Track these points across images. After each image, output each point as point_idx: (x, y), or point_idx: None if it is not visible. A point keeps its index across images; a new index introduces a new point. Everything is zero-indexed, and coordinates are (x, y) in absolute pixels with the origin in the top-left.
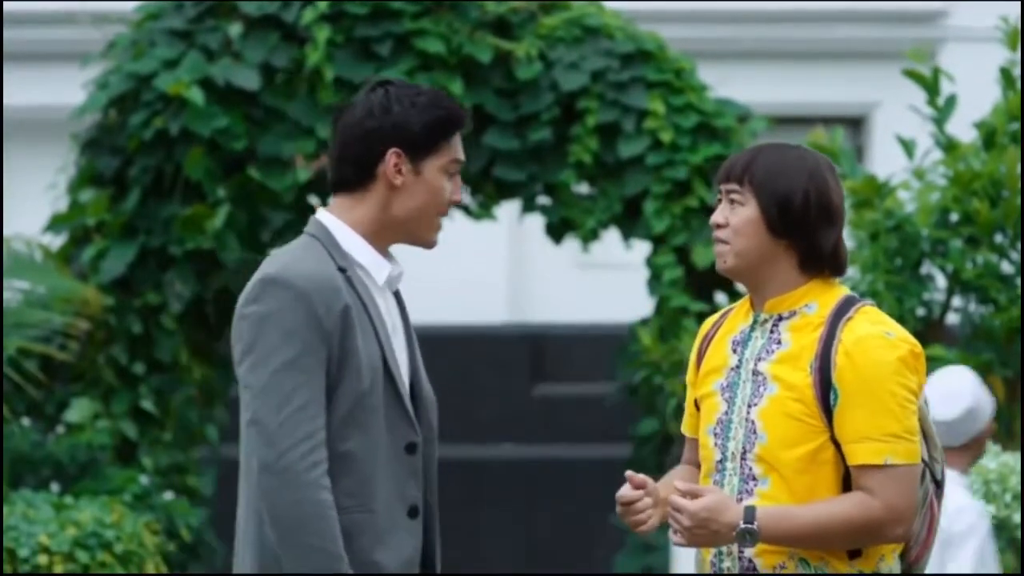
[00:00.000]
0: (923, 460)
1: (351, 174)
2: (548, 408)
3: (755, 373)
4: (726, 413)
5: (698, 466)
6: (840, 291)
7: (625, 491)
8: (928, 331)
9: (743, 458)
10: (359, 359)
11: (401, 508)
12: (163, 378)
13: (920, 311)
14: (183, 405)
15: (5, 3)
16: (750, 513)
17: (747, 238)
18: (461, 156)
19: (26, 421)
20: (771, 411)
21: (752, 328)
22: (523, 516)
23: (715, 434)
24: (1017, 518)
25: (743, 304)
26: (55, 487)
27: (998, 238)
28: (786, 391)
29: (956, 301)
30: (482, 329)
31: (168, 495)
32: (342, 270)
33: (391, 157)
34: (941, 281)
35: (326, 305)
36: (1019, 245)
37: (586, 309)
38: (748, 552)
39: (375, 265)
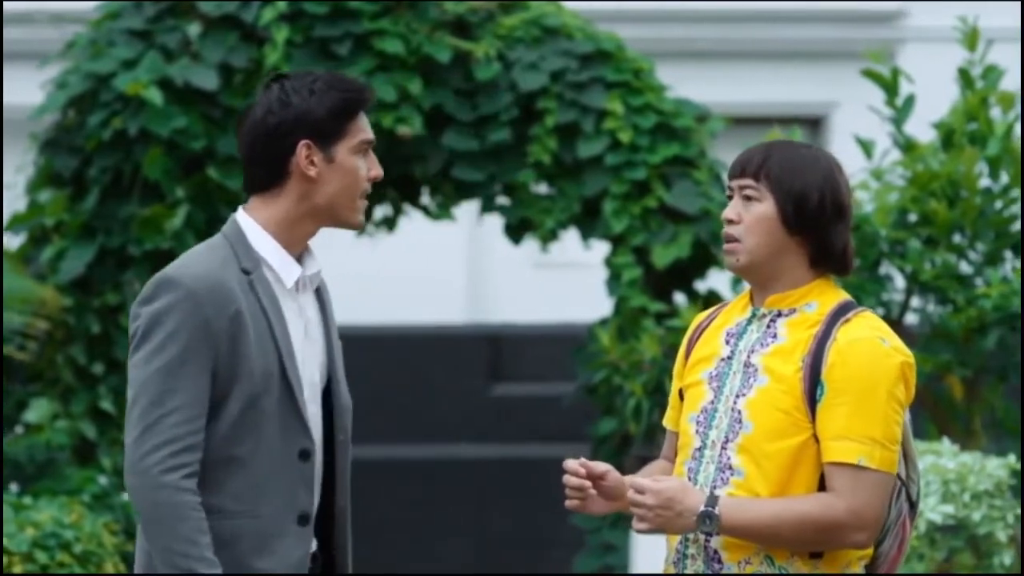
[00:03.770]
0: (900, 478)
1: (264, 174)
2: (506, 408)
3: (747, 365)
4: (712, 402)
5: (674, 461)
6: (841, 294)
7: (572, 465)
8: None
9: (723, 447)
10: (251, 364)
11: (291, 515)
12: (122, 378)
13: (879, 311)
14: None
15: None
16: (712, 499)
17: (761, 235)
18: (370, 135)
19: None
20: (759, 402)
21: (749, 321)
22: (480, 516)
23: (697, 422)
24: (976, 517)
25: (740, 299)
26: (14, 487)
27: (956, 238)
28: (776, 383)
29: (915, 301)
30: (440, 329)
31: (126, 495)
32: (247, 272)
33: (301, 149)
34: (900, 281)
35: (216, 307)
36: (977, 245)
37: (545, 309)
38: (714, 543)
39: (284, 268)
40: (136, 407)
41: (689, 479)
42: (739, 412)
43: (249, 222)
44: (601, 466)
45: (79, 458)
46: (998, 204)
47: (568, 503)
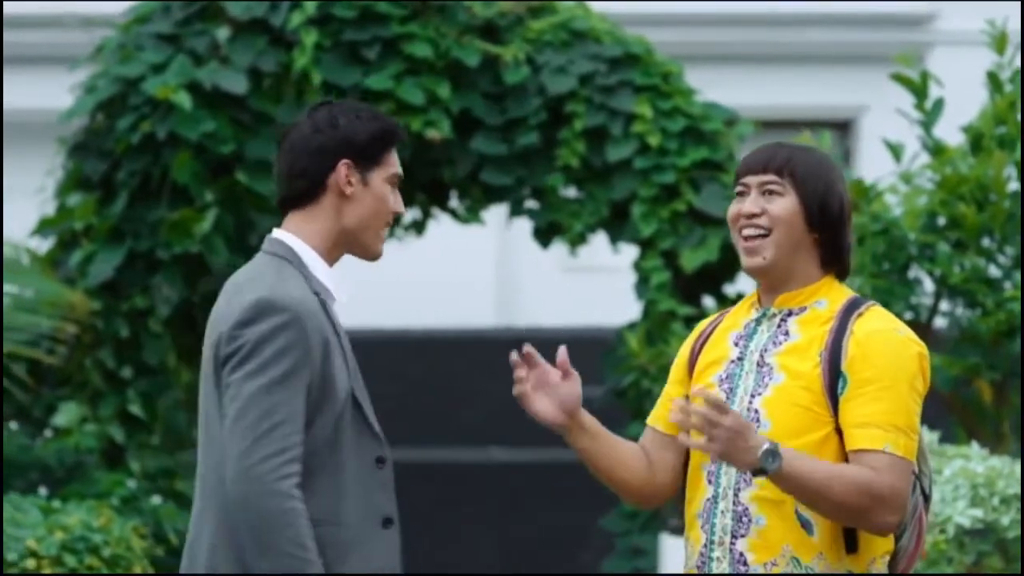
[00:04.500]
0: (912, 472)
1: (303, 187)
2: None
3: (760, 364)
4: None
5: (648, 455)
6: (848, 291)
7: (526, 347)
8: (916, 334)
9: None
10: (336, 384)
11: (374, 520)
12: (151, 382)
13: (908, 315)
14: (170, 409)
15: None
16: (774, 443)
17: (787, 229)
18: (400, 171)
19: (14, 425)
20: (777, 400)
21: (758, 322)
22: (510, 519)
23: None
24: (1005, 521)
25: (744, 303)
26: (43, 491)
27: (985, 242)
28: (793, 380)
29: (944, 305)
30: (470, 332)
31: (156, 499)
32: (316, 294)
33: (342, 167)
34: (928, 285)
35: (313, 331)
36: (1007, 249)
37: (573, 313)
38: (740, 545)
39: (335, 288)
40: (244, 419)
41: (709, 483)
42: (756, 411)
43: (299, 243)
44: (573, 373)
45: (108, 462)
46: None
47: (515, 389)
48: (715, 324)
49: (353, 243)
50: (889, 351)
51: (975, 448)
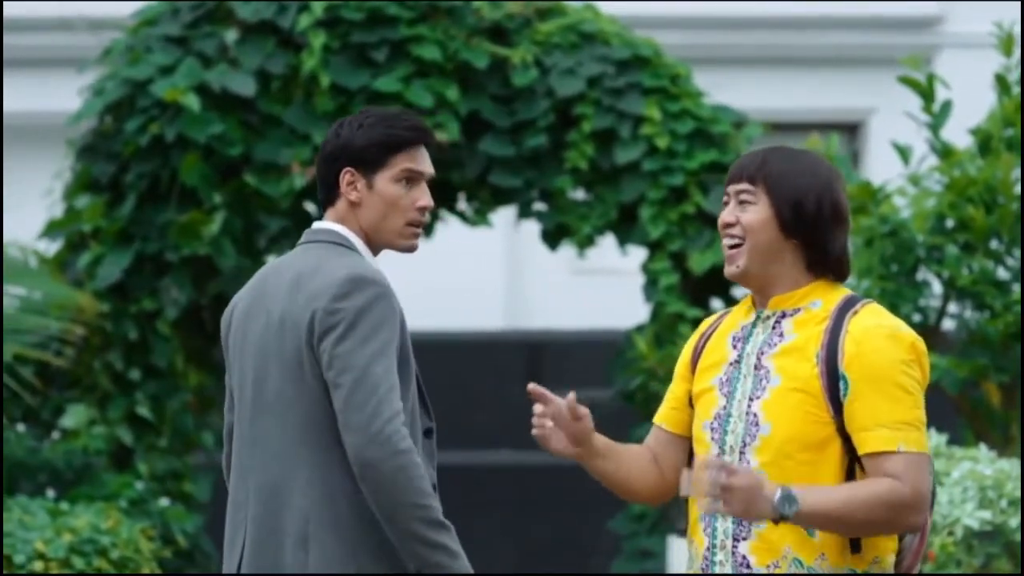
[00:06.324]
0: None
1: (323, 194)
2: None
3: (757, 367)
4: (724, 407)
5: (655, 455)
6: (843, 291)
7: (537, 391)
8: (925, 337)
9: (742, 452)
10: (411, 357)
11: None
12: (159, 384)
13: (916, 317)
14: (179, 411)
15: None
16: (786, 487)
17: (760, 236)
18: (415, 166)
19: (22, 427)
20: (774, 403)
21: (754, 324)
22: (520, 522)
23: (711, 428)
24: (1013, 523)
25: (743, 304)
26: (51, 493)
27: (993, 244)
28: (790, 382)
29: (952, 307)
30: (479, 335)
31: (164, 501)
32: None
33: (344, 175)
34: (937, 287)
35: (397, 304)
36: (1015, 251)
37: (582, 315)
38: (742, 548)
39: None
40: (361, 389)
41: None
42: (755, 415)
43: (347, 231)
44: (582, 410)
45: (116, 464)
46: None
47: (534, 431)
48: (716, 324)
49: (377, 241)
50: (884, 347)
51: (983, 450)
